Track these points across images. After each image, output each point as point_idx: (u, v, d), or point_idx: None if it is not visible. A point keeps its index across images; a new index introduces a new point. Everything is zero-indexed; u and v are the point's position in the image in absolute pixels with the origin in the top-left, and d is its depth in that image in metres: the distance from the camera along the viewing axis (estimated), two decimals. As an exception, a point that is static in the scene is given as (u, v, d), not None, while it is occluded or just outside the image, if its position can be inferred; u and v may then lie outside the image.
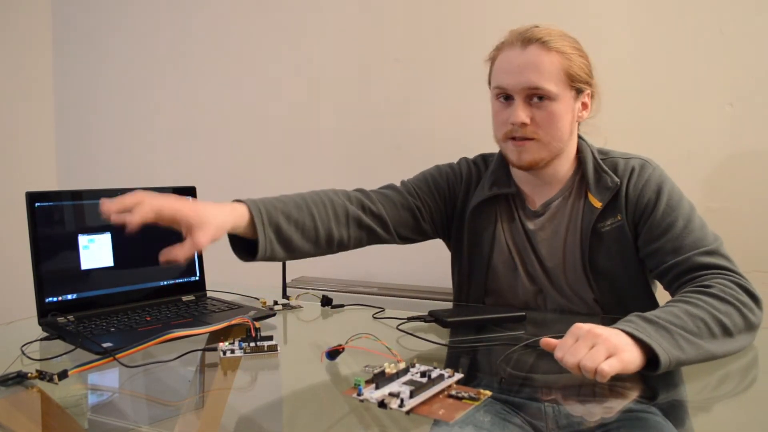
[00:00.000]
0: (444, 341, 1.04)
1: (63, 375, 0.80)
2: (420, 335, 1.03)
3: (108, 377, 0.88)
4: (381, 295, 1.79)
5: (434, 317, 1.09)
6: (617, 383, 0.80)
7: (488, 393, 0.74)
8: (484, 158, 1.32)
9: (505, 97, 1.14)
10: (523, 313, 1.11)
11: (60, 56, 2.61)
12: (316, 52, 2.16)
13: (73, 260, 1.12)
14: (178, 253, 0.91)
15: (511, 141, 1.15)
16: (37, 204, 1.09)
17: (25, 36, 2.51)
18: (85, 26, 2.55)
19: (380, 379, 0.74)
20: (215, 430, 0.72)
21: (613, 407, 0.76)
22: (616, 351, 0.78)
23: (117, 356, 0.87)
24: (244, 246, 1.08)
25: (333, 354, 0.88)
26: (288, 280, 1.38)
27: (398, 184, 1.30)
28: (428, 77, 2.00)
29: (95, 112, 2.57)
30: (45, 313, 1.07)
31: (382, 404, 0.70)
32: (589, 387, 0.80)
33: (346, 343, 0.89)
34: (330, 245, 1.17)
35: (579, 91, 1.14)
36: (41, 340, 1.02)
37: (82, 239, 1.13)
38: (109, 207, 0.89)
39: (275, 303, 1.27)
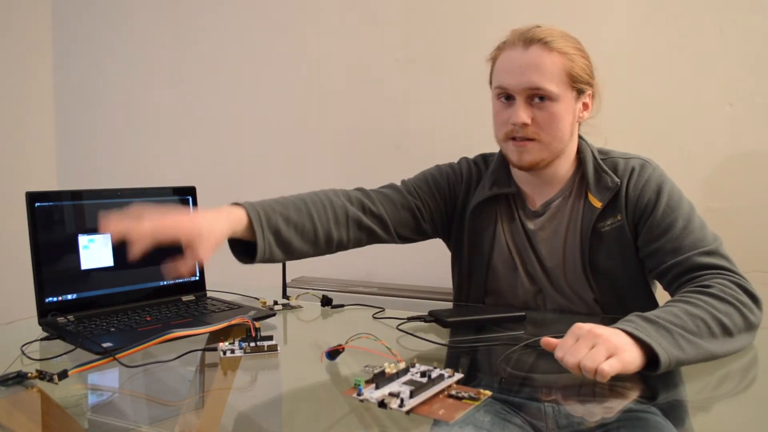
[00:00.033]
0: (444, 341, 1.04)
1: (63, 375, 0.80)
2: (420, 335, 1.03)
3: (108, 377, 0.88)
4: (381, 295, 1.79)
5: (434, 317, 1.09)
6: (617, 383, 0.80)
7: (488, 393, 0.74)
8: (485, 158, 1.32)
9: (506, 97, 1.14)
10: (523, 313, 1.11)
11: (60, 56, 2.61)
12: (316, 51, 2.16)
13: (73, 260, 1.12)
14: (181, 268, 0.94)
15: (511, 141, 1.15)
16: (37, 204, 1.09)
17: (25, 36, 2.51)
18: (85, 26, 2.55)
19: (380, 379, 0.74)
20: (215, 430, 0.72)
21: (613, 407, 0.76)
22: (617, 351, 0.78)
23: (117, 356, 0.87)
24: (243, 248, 1.08)
25: (333, 354, 0.88)
26: (288, 280, 1.38)
27: (398, 183, 1.30)
28: (428, 77, 2.00)
29: (95, 113, 2.56)
30: (45, 313, 1.07)
31: (382, 404, 0.70)
32: (589, 387, 0.80)
33: (346, 343, 0.89)
34: (329, 246, 1.17)
35: (580, 92, 1.14)
36: (41, 340, 1.02)
37: (82, 239, 1.13)
38: (110, 227, 0.90)
39: (275, 303, 1.27)
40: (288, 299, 1.31)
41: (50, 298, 1.09)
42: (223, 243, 1.01)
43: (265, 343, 0.93)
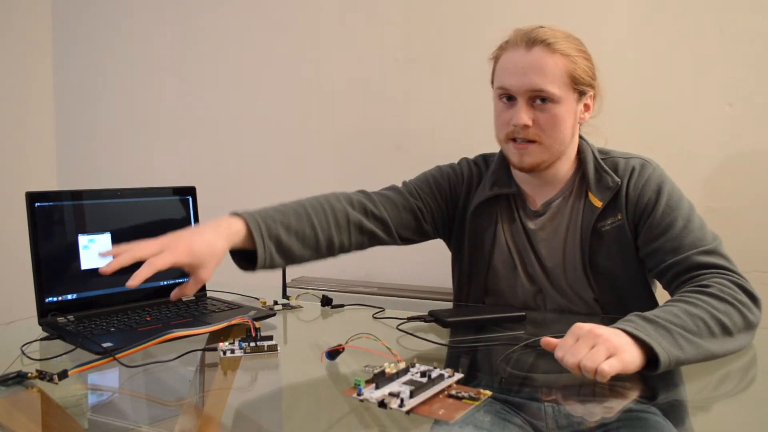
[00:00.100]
0: (444, 341, 1.04)
1: (63, 375, 0.80)
2: (420, 335, 1.03)
3: (108, 377, 0.88)
4: (381, 295, 1.79)
5: (434, 317, 1.09)
6: (617, 383, 0.80)
7: (488, 393, 0.74)
8: (485, 158, 1.32)
9: (507, 97, 1.14)
10: (523, 313, 1.11)
11: (60, 56, 2.61)
12: (316, 51, 2.16)
13: (73, 260, 1.12)
14: (186, 291, 0.99)
15: (512, 143, 1.15)
16: (37, 204, 1.09)
17: (25, 36, 2.51)
18: (85, 26, 2.55)
19: (380, 379, 0.74)
20: (215, 430, 0.72)
21: (613, 407, 0.76)
22: (617, 351, 0.78)
23: (117, 356, 0.87)
24: (245, 255, 1.08)
25: (333, 354, 0.88)
26: (288, 280, 1.38)
27: (399, 184, 1.30)
28: (428, 77, 2.00)
29: (95, 113, 2.56)
30: (45, 313, 1.07)
31: (382, 404, 0.70)
32: (589, 387, 0.80)
33: (346, 343, 0.89)
34: (331, 251, 1.17)
35: (582, 93, 1.14)
36: (41, 340, 1.02)
37: (82, 239, 1.13)
38: (109, 269, 0.91)
39: (275, 303, 1.27)
40: (288, 299, 1.31)
41: (50, 298, 1.09)
42: (224, 258, 1.02)
43: (265, 343, 0.93)
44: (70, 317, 1.08)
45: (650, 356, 0.81)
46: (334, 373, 0.87)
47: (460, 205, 1.29)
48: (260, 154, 2.28)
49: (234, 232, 1.02)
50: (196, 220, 1.31)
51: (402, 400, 0.69)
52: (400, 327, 1.09)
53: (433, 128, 2.00)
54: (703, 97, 1.70)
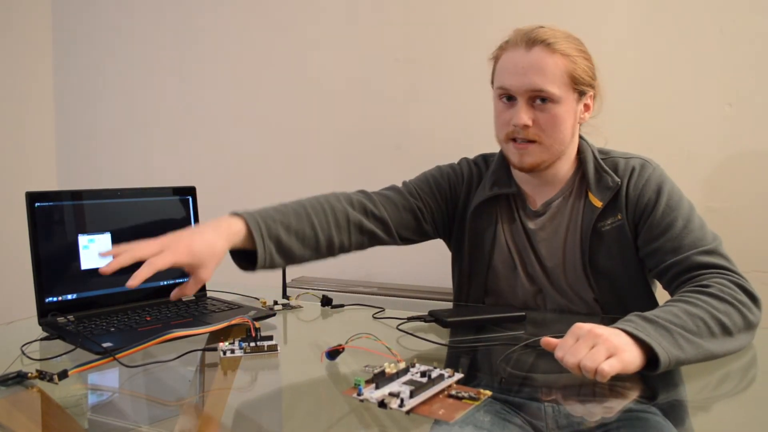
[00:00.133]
0: (444, 341, 1.04)
1: (63, 375, 0.80)
2: (420, 335, 1.03)
3: (108, 377, 0.88)
4: (381, 295, 1.79)
5: (434, 317, 1.09)
6: (617, 383, 0.80)
7: (488, 393, 0.74)
8: (485, 158, 1.32)
9: (507, 97, 1.14)
10: (523, 313, 1.11)
11: (60, 56, 2.61)
12: (316, 51, 2.16)
13: (73, 260, 1.12)
14: (186, 291, 0.99)
15: (512, 143, 1.15)
16: (37, 204, 1.09)
17: (25, 36, 2.51)
18: (85, 26, 2.55)
19: (380, 379, 0.74)
20: (215, 430, 0.72)
21: (613, 407, 0.76)
22: (617, 351, 0.78)
23: (117, 356, 0.87)
24: (245, 256, 1.08)
25: (333, 354, 0.88)
26: (288, 280, 1.38)
27: (399, 185, 1.30)
28: (428, 77, 2.00)
29: (95, 113, 2.57)
30: (45, 313, 1.07)
31: (382, 404, 0.70)
32: (589, 387, 0.80)
33: (346, 343, 0.89)
34: (331, 251, 1.16)
35: (582, 94, 1.14)
36: (41, 340, 1.02)
37: (82, 239, 1.13)
38: (109, 269, 0.91)
39: (275, 303, 1.27)
40: (288, 299, 1.31)
41: (50, 298, 1.09)
42: (224, 258, 1.02)
43: (265, 343, 0.93)
44: (70, 317, 1.08)
45: (650, 356, 0.81)
46: (334, 373, 0.87)
47: (460, 205, 1.29)
48: (260, 154, 2.28)
49: (234, 232, 1.02)
50: (196, 220, 1.31)
51: (402, 400, 0.69)
52: (400, 327, 1.09)
53: (433, 128, 2.00)
54: (703, 97, 1.70)
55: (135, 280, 0.89)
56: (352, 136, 2.12)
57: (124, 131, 2.52)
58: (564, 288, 1.20)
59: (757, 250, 1.63)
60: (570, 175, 1.20)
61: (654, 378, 0.81)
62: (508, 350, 0.94)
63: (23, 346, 0.97)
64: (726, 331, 0.89)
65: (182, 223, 1.28)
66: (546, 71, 1.09)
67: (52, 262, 1.09)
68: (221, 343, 0.93)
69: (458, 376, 0.78)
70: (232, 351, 0.92)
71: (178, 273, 1.26)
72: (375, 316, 1.19)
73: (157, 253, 0.93)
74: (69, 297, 1.11)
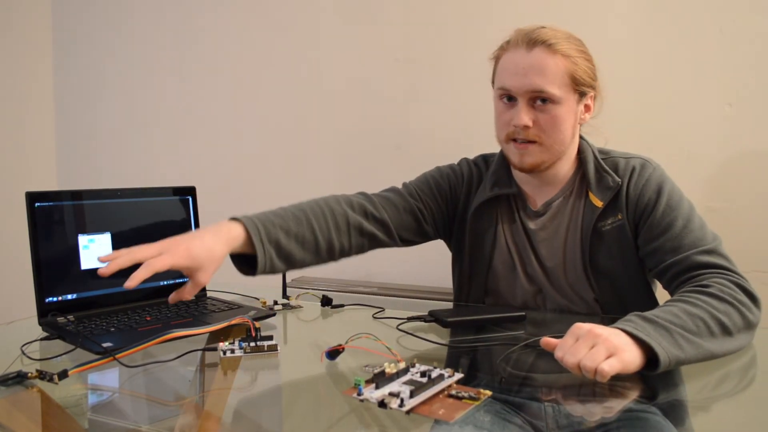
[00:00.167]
0: (444, 341, 1.04)
1: (63, 375, 0.80)
2: (420, 335, 1.03)
3: (108, 377, 0.88)
4: (381, 295, 1.79)
5: (434, 317, 1.09)
6: (617, 383, 0.80)
7: (488, 393, 0.74)
8: (485, 158, 1.32)
9: (508, 98, 1.14)
10: (523, 313, 1.11)
11: (60, 56, 2.61)
12: (315, 51, 2.16)
13: (73, 260, 1.12)
14: (184, 294, 0.98)
15: (513, 143, 1.15)
16: (37, 204, 1.09)
17: (25, 36, 2.51)
18: (85, 26, 2.55)
19: (380, 378, 0.74)
20: (215, 430, 0.72)
21: (613, 407, 0.76)
22: (616, 351, 0.78)
23: (117, 356, 0.87)
24: (245, 260, 1.08)
25: (333, 354, 0.88)
26: (288, 280, 1.38)
27: (399, 186, 1.30)
28: (428, 77, 2.00)
29: (95, 113, 2.56)
30: (45, 313, 1.07)
31: (382, 404, 0.70)
32: (589, 387, 0.80)
33: (346, 343, 0.89)
34: (331, 255, 1.16)
35: (582, 94, 1.14)
36: (41, 340, 1.02)
37: (82, 239, 1.13)
38: (107, 270, 0.91)
39: (275, 303, 1.27)
40: (288, 299, 1.31)
41: (50, 298, 1.09)
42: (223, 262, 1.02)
43: (265, 343, 0.93)
44: (70, 317, 1.08)
45: (650, 356, 0.81)
46: (334, 373, 0.87)
47: (461, 205, 1.29)
48: (260, 154, 2.28)
49: (233, 237, 1.02)
50: (196, 220, 1.31)
51: (402, 400, 0.69)
52: (400, 327, 1.09)
53: (433, 128, 2.00)
54: (703, 97, 1.70)
55: (132, 281, 0.89)
56: (352, 136, 2.12)
57: (124, 131, 2.52)
58: (564, 288, 1.20)
59: (757, 250, 1.63)
60: (570, 175, 1.20)
61: (654, 378, 0.81)
62: (508, 350, 0.94)
63: (23, 346, 0.97)
64: (726, 331, 0.89)
65: (182, 223, 1.28)
66: (547, 72, 1.09)
67: (52, 262, 1.09)
68: (221, 343, 0.93)
69: (458, 376, 0.78)
70: (232, 351, 0.92)
71: (178, 273, 1.25)
72: (375, 316, 1.19)
73: (156, 256, 0.93)
74: (69, 297, 1.11)
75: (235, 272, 1.09)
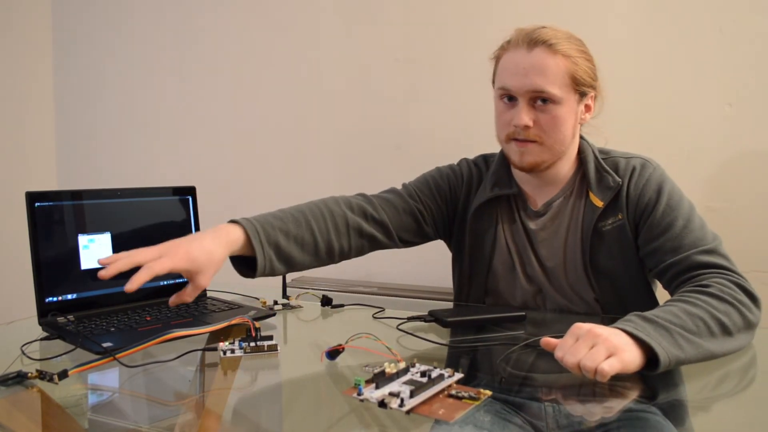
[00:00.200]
0: (444, 341, 1.04)
1: (63, 375, 0.80)
2: (420, 335, 1.03)
3: (108, 377, 0.88)
4: (381, 295, 1.79)
5: (434, 317, 1.09)
6: (617, 383, 0.80)
7: (488, 393, 0.74)
8: (485, 159, 1.32)
9: (509, 98, 1.14)
10: (523, 313, 1.11)
11: (60, 56, 2.61)
12: (316, 51, 2.16)
13: (73, 260, 1.12)
14: (184, 297, 0.98)
15: (513, 142, 1.15)
16: (37, 204, 1.09)
17: (25, 36, 2.51)
18: (85, 26, 2.55)
19: (380, 378, 0.74)
20: (215, 430, 0.72)
21: (613, 407, 0.76)
22: (616, 351, 0.78)
23: (117, 356, 0.87)
24: (245, 262, 1.08)
25: (333, 354, 0.88)
26: (288, 280, 1.38)
27: (399, 186, 1.30)
28: (428, 77, 2.00)
29: (95, 113, 2.56)
30: (45, 313, 1.07)
31: (382, 404, 0.70)
32: (589, 387, 0.80)
33: (346, 342, 0.89)
34: (331, 256, 1.16)
35: (583, 94, 1.14)
36: (41, 340, 1.02)
37: (82, 239, 1.13)
38: (107, 273, 0.90)
39: (275, 303, 1.27)
40: (288, 299, 1.31)
41: (50, 298, 1.09)
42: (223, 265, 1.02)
43: (265, 343, 0.93)
44: (70, 317, 1.08)
45: (650, 356, 0.81)
46: (334, 373, 0.87)
47: (461, 206, 1.29)
48: (260, 154, 2.28)
49: (233, 239, 1.02)
50: (196, 220, 1.31)
51: (402, 400, 0.69)
52: (400, 327, 1.09)
53: (433, 128, 2.00)
54: (703, 97, 1.70)
55: (132, 284, 0.89)
56: (352, 136, 2.12)
57: (124, 131, 2.52)
58: (564, 288, 1.20)
59: (757, 250, 1.63)
60: (571, 175, 1.20)
61: (654, 378, 0.81)
62: (508, 350, 0.94)
63: (23, 346, 0.97)
64: (726, 330, 0.89)
65: (182, 223, 1.28)
66: (547, 72, 1.09)
67: (52, 262, 1.09)
68: (221, 343, 0.93)
69: (458, 375, 0.78)
70: (232, 351, 0.92)
71: (179, 273, 1.25)
72: (375, 316, 1.19)
73: (156, 259, 0.93)
74: (69, 297, 1.11)
75: (235, 272, 1.10)
